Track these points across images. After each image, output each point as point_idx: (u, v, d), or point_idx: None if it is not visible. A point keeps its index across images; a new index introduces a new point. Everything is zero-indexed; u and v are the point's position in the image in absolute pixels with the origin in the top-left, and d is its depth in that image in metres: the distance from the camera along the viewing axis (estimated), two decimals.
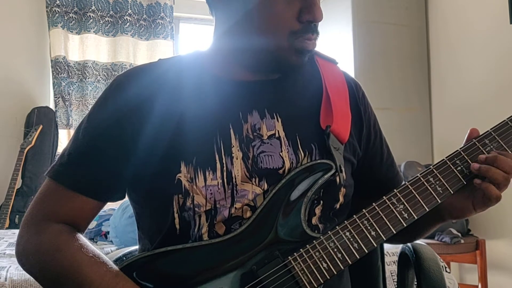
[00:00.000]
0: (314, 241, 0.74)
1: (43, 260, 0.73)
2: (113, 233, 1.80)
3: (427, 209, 0.76)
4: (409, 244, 0.98)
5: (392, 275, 1.45)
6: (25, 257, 0.76)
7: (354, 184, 0.86)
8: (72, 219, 0.78)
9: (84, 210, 0.79)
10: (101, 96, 0.83)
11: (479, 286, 2.55)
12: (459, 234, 2.52)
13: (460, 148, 0.79)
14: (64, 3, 3.17)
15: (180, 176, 0.75)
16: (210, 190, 0.75)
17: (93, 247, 0.74)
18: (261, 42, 0.78)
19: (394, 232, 0.75)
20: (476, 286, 2.58)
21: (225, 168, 0.76)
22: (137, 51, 3.35)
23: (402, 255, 0.96)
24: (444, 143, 3.08)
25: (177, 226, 0.76)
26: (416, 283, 0.93)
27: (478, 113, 2.72)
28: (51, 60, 3.14)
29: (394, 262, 1.48)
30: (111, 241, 1.84)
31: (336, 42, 3.13)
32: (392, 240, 0.93)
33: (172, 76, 0.82)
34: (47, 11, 3.13)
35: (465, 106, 2.84)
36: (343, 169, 0.80)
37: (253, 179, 0.76)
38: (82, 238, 0.76)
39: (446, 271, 1.44)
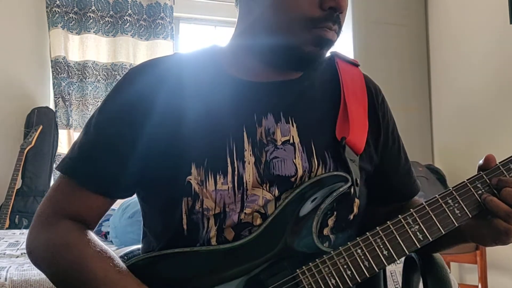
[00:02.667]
0: (324, 256, 0.72)
1: (51, 256, 0.73)
2: (113, 233, 1.80)
3: (443, 232, 0.73)
4: None
5: (392, 275, 1.45)
6: (34, 252, 0.76)
7: (369, 191, 0.84)
8: (81, 215, 0.77)
9: (93, 207, 0.78)
10: (113, 89, 0.82)
11: (479, 286, 2.54)
12: None
13: (483, 172, 0.76)
14: (64, 3, 3.17)
15: (190, 179, 0.73)
16: (220, 194, 0.73)
17: (101, 243, 0.74)
18: (280, 31, 0.76)
19: (407, 253, 0.72)
20: (476, 287, 2.57)
21: (236, 173, 0.74)
22: (137, 51, 3.34)
23: (408, 258, 0.95)
24: (444, 143, 3.08)
25: (185, 227, 0.74)
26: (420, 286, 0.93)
27: (478, 113, 2.72)
28: (51, 60, 3.14)
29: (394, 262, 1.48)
30: (111, 241, 1.84)
31: (336, 42, 3.13)
32: None
33: (187, 72, 0.81)
34: (47, 11, 3.13)
35: (465, 106, 2.84)
36: (359, 182, 0.78)
37: (264, 185, 0.75)
38: (90, 234, 0.75)
39: None
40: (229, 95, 0.79)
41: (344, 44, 3.06)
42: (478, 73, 2.76)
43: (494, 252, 2.61)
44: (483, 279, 2.53)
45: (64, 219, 0.76)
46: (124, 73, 0.83)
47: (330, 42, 0.77)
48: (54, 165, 3.07)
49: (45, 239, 0.75)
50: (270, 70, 0.81)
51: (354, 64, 0.89)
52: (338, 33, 0.78)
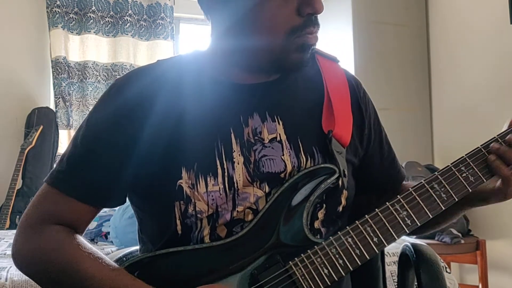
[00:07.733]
0: (316, 246, 0.73)
1: (42, 261, 0.73)
2: (113, 233, 1.80)
3: (431, 216, 0.75)
4: (409, 244, 0.98)
5: (392, 275, 1.45)
6: (21, 258, 0.75)
7: (356, 183, 0.86)
8: (68, 221, 0.77)
9: (80, 214, 0.78)
10: (100, 100, 0.82)
11: (480, 286, 2.54)
12: (460, 234, 2.52)
13: (466, 155, 0.78)
14: (65, 4, 3.17)
15: (181, 183, 0.74)
16: (212, 196, 0.74)
17: (90, 245, 0.74)
18: (260, 42, 0.76)
19: (397, 238, 0.74)
20: (477, 287, 2.57)
21: (226, 174, 0.75)
22: (138, 52, 3.35)
23: (403, 256, 0.96)
24: (444, 143, 3.08)
25: (179, 232, 0.75)
26: (416, 283, 0.93)
27: (478, 113, 2.72)
28: (52, 61, 3.15)
29: (394, 263, 1.48)
30: (111, 242, 1.84)
31: (336, 42, 3.13)
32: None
33: (171, 77, 0.81)
34: (47, 11, 3.14)
35: (465, 106, 2.84)
36: (346, 173, 0.79)
37: (255, 183, 0.76)
38: (79, 237, 0.75)
39: (446, 272, 1.44)
40: (214, 98, 0.80)
41: (344, 44, 3.06)
42: (478, 73, 2.76)
43: (494, 253, 2.61)
44: (484, 279, 2.53)
45: (51, 225, 0.75)
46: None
47: (313, 46, 0.78)
48: (54, 166, 3.06)
49: (33, 245, 0.74)
50: (253, 71, 0.82)
51: (334, 60, 0.90)
52: (317, 33, 0.78)
